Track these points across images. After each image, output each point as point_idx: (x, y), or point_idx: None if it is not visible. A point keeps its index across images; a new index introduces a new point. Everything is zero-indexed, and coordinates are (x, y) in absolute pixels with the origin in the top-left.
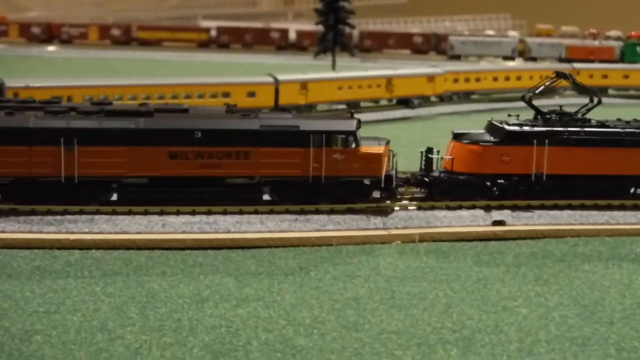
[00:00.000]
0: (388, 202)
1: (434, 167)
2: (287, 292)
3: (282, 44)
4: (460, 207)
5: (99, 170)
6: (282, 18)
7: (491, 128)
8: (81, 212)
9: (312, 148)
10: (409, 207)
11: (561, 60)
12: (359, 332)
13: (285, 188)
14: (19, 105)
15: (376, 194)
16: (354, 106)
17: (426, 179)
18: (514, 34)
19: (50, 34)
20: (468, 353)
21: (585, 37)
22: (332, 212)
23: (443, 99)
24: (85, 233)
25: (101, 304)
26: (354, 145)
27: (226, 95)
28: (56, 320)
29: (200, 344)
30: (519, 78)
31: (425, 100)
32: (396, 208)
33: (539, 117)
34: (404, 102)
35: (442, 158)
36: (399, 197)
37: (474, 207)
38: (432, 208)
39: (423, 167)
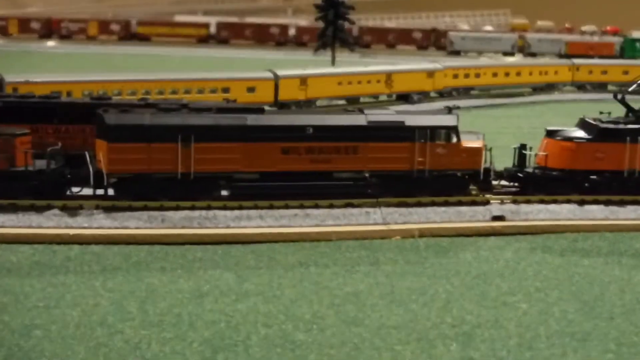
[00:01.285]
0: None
1: (527, 163)
2: (286, 287)
3: (282, 40)
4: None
5: (213, 166)
6: (281, 13)
7: (584, 125)
8: (80, 207)
9: (417, 143)
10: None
11: (561, 56)
12: (359, 327)
13: (389, 182)
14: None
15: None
16: (353, 102)
17: (520, 174)
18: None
19: (50, 29)
20: (468, 348)
21: (561, 32)
22: (331, 207)
23: (443, 94)
24: (85, 228)
25: (101, 298)
26: (455, 140)
27: (225, 90)
28: (56, 315)
29: (199, 339)
30: (518, 74)
31: (424, 96)
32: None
33: (630, 114)
34: (404, 98)
35: (535, 154)
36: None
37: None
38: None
39: (516, 162)
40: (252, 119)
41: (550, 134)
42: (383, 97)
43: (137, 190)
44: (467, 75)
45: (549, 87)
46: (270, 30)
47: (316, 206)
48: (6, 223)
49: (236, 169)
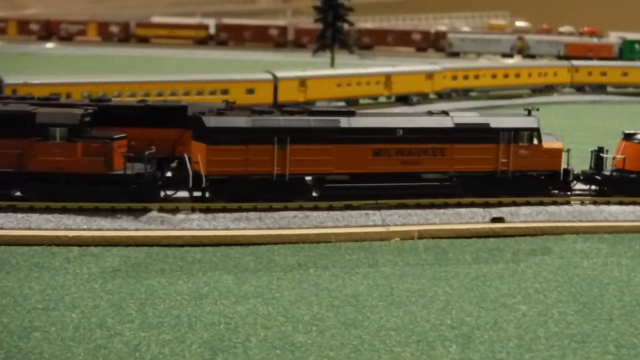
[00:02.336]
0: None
1: (604, 166)
2: (286, 288)
3: (281, 41)
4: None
5: (307, 167)
6: (280, 15)
7: None
8: (80, 209)
9: (501, 144)
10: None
11: (560, 57)
12: (358, 328)
13: (473, 182)
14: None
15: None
16: (352, 103)
17: (597, 177)
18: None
19: (49, 30)
20: (467, 350)
21: (539, 32)
22: (330, 209)
23: (442, 96)
24: (84, 230)
25: (100, 300)
26: (537, 141)
27: (225, 92)
28: (55, 316)
29: (199, 341)
30: (517, 75)
31: (424, 98)
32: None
33: None
34: (403, 99)
35: (613, 157)
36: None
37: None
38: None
39: (593, 165)
40: (344, 122)
41: (628, 137)
42: (382, 99)
43: (233, 192)
44: (466, 77)
45: (548, 89)
46: (270, 32)
47: (315, 208)
48: (5, 225)
49: (328, 171)
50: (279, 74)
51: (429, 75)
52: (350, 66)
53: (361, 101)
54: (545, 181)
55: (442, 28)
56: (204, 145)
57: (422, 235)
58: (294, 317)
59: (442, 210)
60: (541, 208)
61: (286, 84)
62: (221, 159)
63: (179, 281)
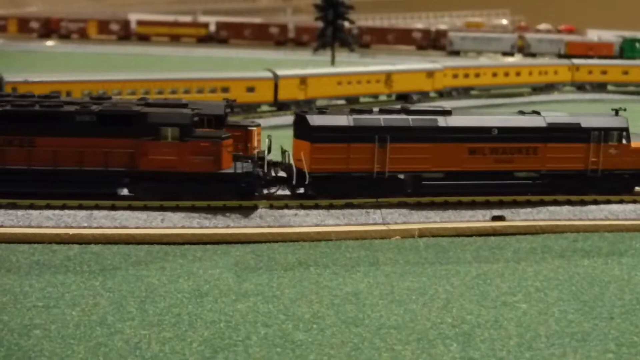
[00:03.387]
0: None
1: None
2: (286, 287)
3: (282, 40)
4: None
5: (406, 165)
6: (281, 13)
7: None
8: (80, 207)
9: (592, 144)
10: None
11: (560, 56)
12: (359, 327)
13: (563, 181)
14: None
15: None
16: (353, 101)
17: None
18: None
19: (49, 28)
20: (468, 348)
21: (515, 30)
22: (331, 207)
23: (442, 94)
24: (84, 228)
25: (100, 298)
26: (625, 141)
27: (225, 90)
28: (55, 314)
29: (199, 339)
30: (518, 74)
31: (424, 96)
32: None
33: None
34: (403, 98)
35: None
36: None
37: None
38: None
39: None
40: (442, 121)
41: None
42: (383, 97)
43: (334, 189)
44: (466, 76)
45: (549, 87)
46: (270, 30)
47: (316, 206)
48: (5, 222)
49: (425, 168)
50: (280, 72)
51: (430, 73)
52: (351, 64)
53: (362, 99)
54: (631, 180)
55: (443, 27)
56: (307, 144)
57: (422, 234)
58: (294, 315)
59: (442, 209)
60: (542, 207)
61: (286, 82)
62: (324, 157)
63: (179, 279)
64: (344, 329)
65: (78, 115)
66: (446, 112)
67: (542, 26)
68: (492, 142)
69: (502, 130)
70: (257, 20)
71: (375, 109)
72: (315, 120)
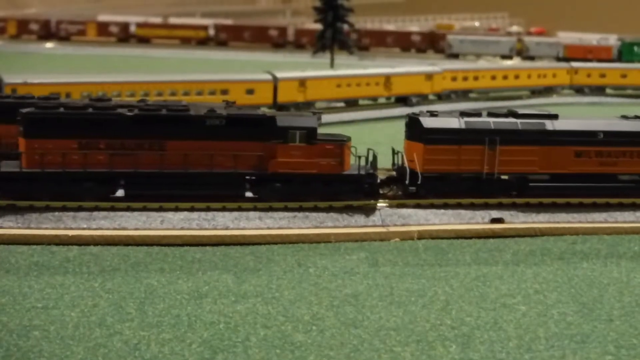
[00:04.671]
0: None
1: None
2: (285, 288)
3: (281, 42)
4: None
5: (514, 167)
6: (280, 16)
7: None
8: (79, 209)
9: None
10: None
11: (559, 59)
12: (358, 328)
13: None
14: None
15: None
16: (352, 104)
17: None
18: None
19: (48, 30)
20: (467, 350)
21: (486, 33)
22: (330, 209)
23: (441, 97)
24: (84, 229)
25: (99, 299)
26: None
27: (224, 92)
28: (54, 315)
29: (198, 340)
30: (516, 77)
31: (423, 99)
32: None
33: None
34: (403, 100)
35: None
36: None
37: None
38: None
39: None
40: (549, 124)
41: None
42: (382, 100)
43: (443, 189)
44: (465, 78)
45: (548, 90)
46: (269, 33)
47: (315, 208)
48: (4, 224)
49: (532, 171)
50: (279, 75)
51: (429, 76)
52: (350, 67)
53: (361, 102)
54: None
55: (414, 29)
56: (420, 145)
57: (421, 236)
58: (293, 317)
59: (441, 211)
60: (541, 209)
61: (286, 85)
62: (436, 158)
63: (178, 280)
64: (343, 330)
65: (208, 119)
66: (553, 116)
67: (513, 28)
68: (598, 145)
69: (608, 134)
70: (256, 22)
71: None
72: (428, 122)
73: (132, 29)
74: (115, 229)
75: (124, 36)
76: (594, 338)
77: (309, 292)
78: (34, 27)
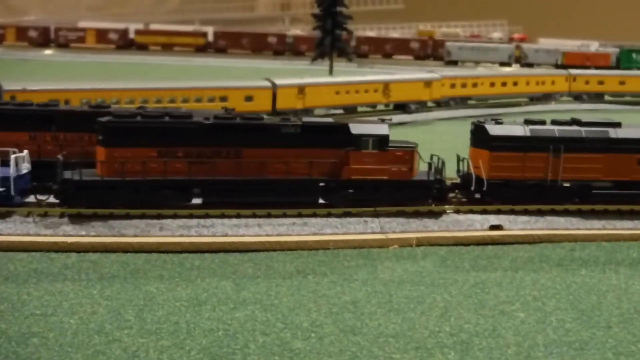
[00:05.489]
0: None
1: None
2: (284, 295)
3: (280, 49)
4: (458, 212)
5: (577, 174)
6: (279, 23)
7: None
8: (78, 215)
9: None
10: None
11: (557, 66)
12: (357, 335)
13: None
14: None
15: None
16: (351, 111)
17: None
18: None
19: (47, 37)
20: (466, 357)
21: (467, 39)
22: (329, 215)
23: (440, 104)
24: (83, 236)
25: (98, 306)
26: None
27: (223, 99)
28: (53, 322)
29: (197, 347)
30: (515, 84)
31: (422, 106)
32: None
33: None
34: (401, 107)
35: None
36: None
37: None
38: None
39: None
40: (612, 132)
41: None
42: (381, 107)
43: (507, 195)
44: (464, 85)
45: (546, 97)
46: (268, 39)
47: (314, 215)
48: (4, 231)
49: (596, 178)
50: (278, 82)
51: (428, 83)
52: (349, 74)
53: (359, 109)
54: None
55: (395, 35)
56: (486, 152)
57: (420, 243)
58: (292, 324)
59: (440, 218)
60: (539, 216)
61: (285, 92)
62: (501, 165)
63: (177, 287)
64: (342, 337)
65: (284, 127)
66: (616, 124)
67: (495, 35)
68: None
69: None
70: (255, 29)
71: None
72: (494, 130)
73: (131, 35)
74: (114, 235)
75: (123, 43)
76: (593, 345)
77: (307, 299)
78: (32, 34)
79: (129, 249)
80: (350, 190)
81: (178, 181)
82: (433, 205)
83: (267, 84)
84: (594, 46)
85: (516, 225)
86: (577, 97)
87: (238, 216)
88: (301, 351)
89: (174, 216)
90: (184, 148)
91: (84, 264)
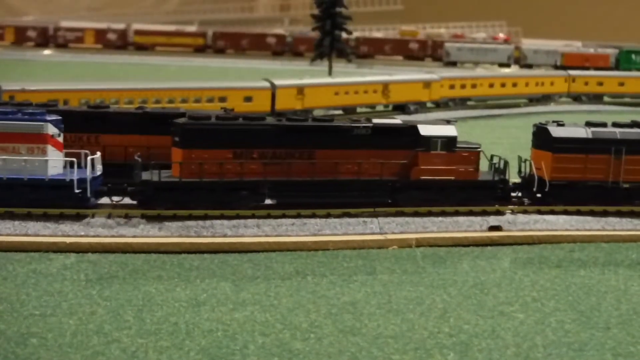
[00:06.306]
0: None
1: None
2: (284, 296)
3: (279, 50)
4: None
5: (637, 176)
6: (278, 24)
7: None
8: (77, 216)
9: None
10: None
11: (556, 67)
12: (356, 336)
13: None
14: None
15: None
16: (350, 111)
17: None
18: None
19: (46, 37)
20: (465, 358)
21: (451, 39)
22: (328, 216)
23: (439, 105)
24: (82, 236)
25: (97, 307)
26: None
27: (222, 100)
28: (52, 323)
29: (196, 348)
30: (514, 85)
31: (421, 106)
32: None
33: None
34: (400, 108)
35: None
36: None
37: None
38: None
39: None
40: None
41: None
42: (380, 107)
43: (570, 197)
44: (463, 86)
45: (545, 98)
46: (267, 40)
47: (313, 215)
48: (2, 231)
49: None
50: (277, 82)
51: (427, 84)
52: (348, 75)
53: (358, 109)
54: None
55: (379, 35)
56: (549, 154)
57: (419, 243)
58: (291, 325)
59: (439, 218)
60: (539, 217)
61: (284, 92)
62: (563, 166)
63: (176, 288)
64: (341, 338)
65: (355, 129)
66: None
67: (477, 35)
68: None
69: None
70: (254, 30)
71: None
72: (556, 132)
73: (131, 36)
74: (113, 236)
75: (122, 43)
76: (592, 346)
77: (307, 300)
78: (31, 34)
79: (128, 249)
80: (418, 191)
81: (253, 182)
82: (497, 205)
83: (266, 84)
84: (576, 46)
85: (515, 226)
86: (576, 98)
87: (237, 217)
88: (300, 352)
89: (173, 217)
90: (259, 150)
91: (82, 264)
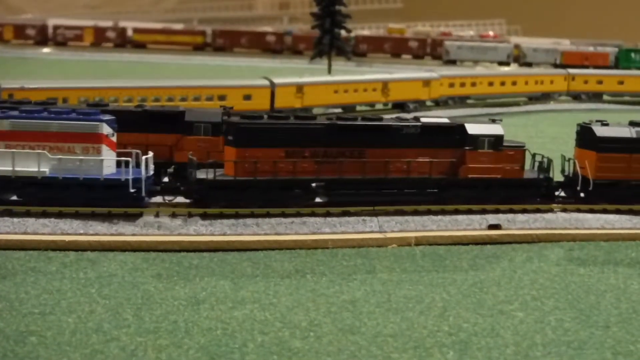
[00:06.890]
0: None
1: None
2: (283, 294)
3: (278, 48)
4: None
5: None
6: (277, 22)
7: None
8: (76, 214)
9: None
10: None
11: (556, 65)
12: (355, 335)
13: None
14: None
15: None
16: (349, 110)
17: None
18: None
19: (45, 35)
20: (464, 356)
21: (443, 35)
22: (328, 215)
23: (439, 103)
24: (81, 234)
25: (96, 305)
26: None
27: (222, 98)
28: (51, 321)
29: (196, 346)
30: (514, 83)
31: (421, 105)
32: None
33: None
34: (400, 106)
35: None
36: None
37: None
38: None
39: None
40: None
41: None
42: (379, 106)
43: (613, 195)
44: (463, 85)
45: (545, 97)
46: (267, 38)
47: (312, 214)
48: (1, 229)
49: None
50: (276, 80)
51: (426, 82)
52: (347, 73)
53: (358, 108)
54: None
55: (366, 33)
56: (593, 153)
57: (419, 242)
58: (291, 323)
59: (439, 217)
60: (538, 215)
61: (283, 90)
62: (607, 165)
63: (175, 286)
64: (340, 336)
65: (405, 127)
66: None
67: (470, 33)
68: None
69: None
70: (253, 28)
71: None
72: (601, 131)
73: (130, 34)
74: (112, 234)
75: (121, 41)
76: (591, 345)
77: (306, 299)
78: (30, 32)
79: (127, 247)
80: (464, 189)
81: (305, 180)
82: (548, 204)
83: (266, 82)
84: (565, 44)
85: (515, 224)
86: (576, 96)
87: (236, 215)
88: (299, 350)
89: (173, 215)
90: (310, 148)
91: (82, 262)
